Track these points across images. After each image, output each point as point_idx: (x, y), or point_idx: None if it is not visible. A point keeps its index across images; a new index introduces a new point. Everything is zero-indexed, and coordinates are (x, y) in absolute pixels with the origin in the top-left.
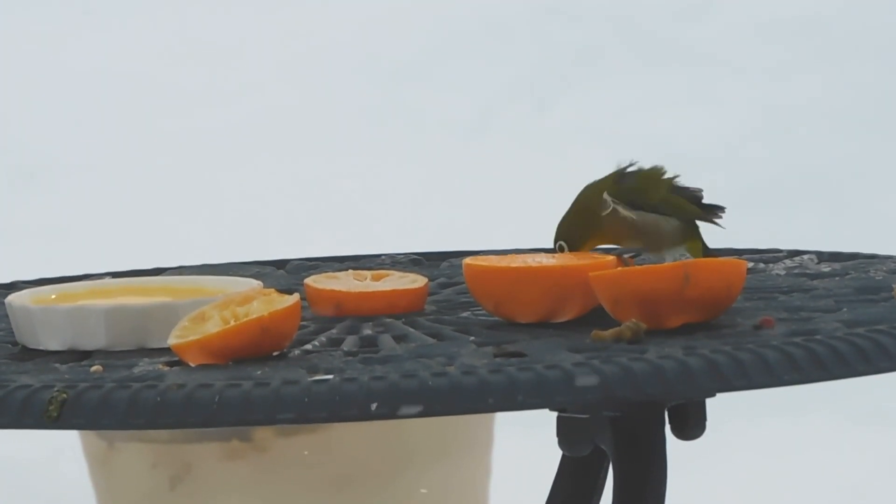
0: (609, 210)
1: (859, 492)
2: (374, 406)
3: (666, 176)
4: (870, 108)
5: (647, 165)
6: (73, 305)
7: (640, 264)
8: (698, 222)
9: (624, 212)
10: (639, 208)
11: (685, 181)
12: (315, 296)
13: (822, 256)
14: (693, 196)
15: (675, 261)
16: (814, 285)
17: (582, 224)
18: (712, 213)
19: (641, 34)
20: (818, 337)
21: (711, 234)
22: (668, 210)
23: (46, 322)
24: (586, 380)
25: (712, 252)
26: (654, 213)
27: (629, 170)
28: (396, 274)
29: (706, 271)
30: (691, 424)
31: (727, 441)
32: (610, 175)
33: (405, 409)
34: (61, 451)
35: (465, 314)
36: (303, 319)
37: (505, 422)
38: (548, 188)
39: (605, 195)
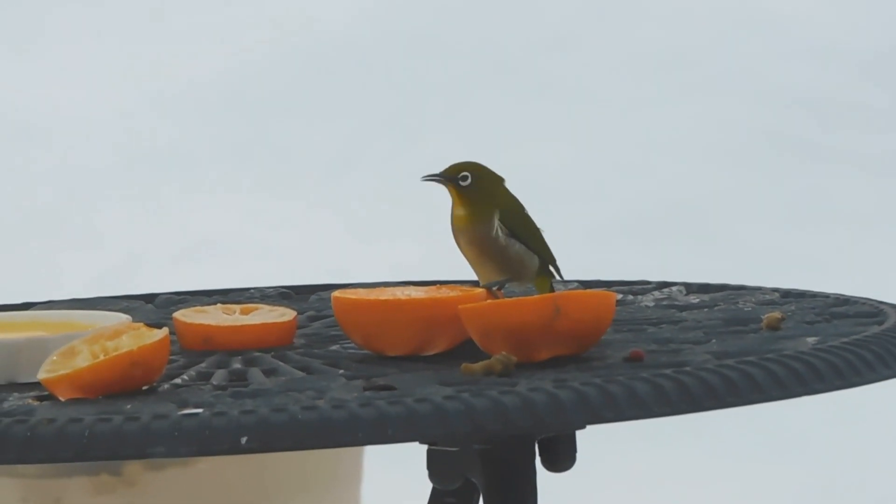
0: (494, 231)
1: None
2: (244, 440)
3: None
4: (735, 141)
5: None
6: None
7: (510, 296)
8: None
9: (504, 238)
10: (514, 237)
11: (551, 212)
12: (184, 330)
13: (691, 288)
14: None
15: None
16: (683, 317)
17: (482, 197)
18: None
19: (510, 67)
20: (687, 369)
21: (580, 267)
22: (536, 247)
23: None
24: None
25: (579, 285)
26: (525, 245)
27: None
28: (265, 308)
29: (576, 303)
30: (561, 457)
31: (597, 474)
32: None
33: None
34: None
35: (334, 347)
36: (172, 353)
37: (374, 455)
38: (416, 222)
39: (496, 219)
